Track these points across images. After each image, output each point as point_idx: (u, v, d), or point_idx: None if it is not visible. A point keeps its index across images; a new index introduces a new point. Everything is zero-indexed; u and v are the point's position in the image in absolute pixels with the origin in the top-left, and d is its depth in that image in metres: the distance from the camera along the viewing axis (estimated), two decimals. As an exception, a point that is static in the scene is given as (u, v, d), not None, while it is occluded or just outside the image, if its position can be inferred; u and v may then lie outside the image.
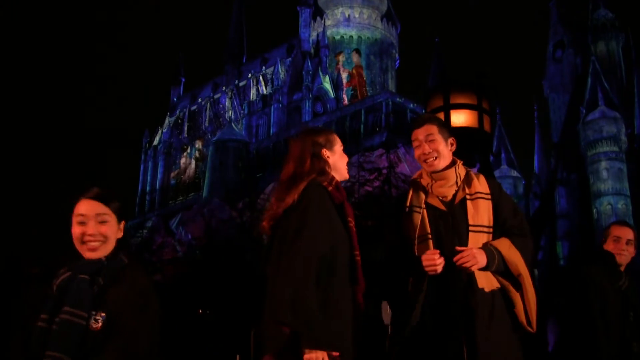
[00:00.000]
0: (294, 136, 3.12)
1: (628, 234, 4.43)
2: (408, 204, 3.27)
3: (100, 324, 2.55)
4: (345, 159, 3.12)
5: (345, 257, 2.88)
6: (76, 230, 2.70)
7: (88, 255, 2.67)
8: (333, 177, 2.99)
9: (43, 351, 2.48)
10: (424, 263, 3.07)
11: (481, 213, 3.19)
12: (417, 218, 3.21)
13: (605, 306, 4.22)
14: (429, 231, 3.18)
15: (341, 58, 64.82)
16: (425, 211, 3.23)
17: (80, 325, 2.53)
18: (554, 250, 51.97)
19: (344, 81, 64.45)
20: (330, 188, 2.92)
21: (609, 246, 4.43)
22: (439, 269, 3.06)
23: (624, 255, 4.38)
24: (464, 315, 3.05)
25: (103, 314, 2.56)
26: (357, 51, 65.30)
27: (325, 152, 3.02)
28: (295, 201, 2.83)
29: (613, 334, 4.17)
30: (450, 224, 3.18)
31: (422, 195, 3.26)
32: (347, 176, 3.11)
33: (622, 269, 4.40)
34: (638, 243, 4.47)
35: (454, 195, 3.24)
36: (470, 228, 3.16)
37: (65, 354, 2.49)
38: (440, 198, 3.24)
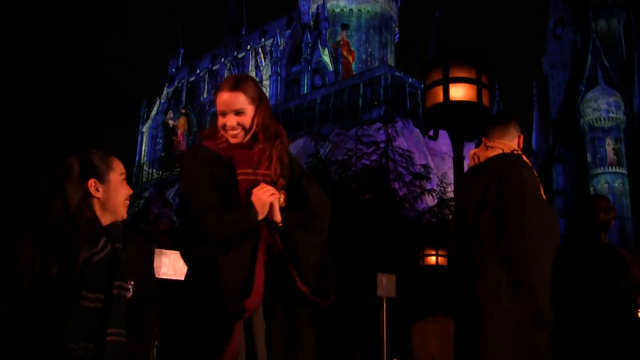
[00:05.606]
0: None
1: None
2: None
3: (131, 293, 2.52)
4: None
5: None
6: (126, 188, 2.68)
7: (111, 219, 2.60)
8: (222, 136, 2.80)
9: (99, 329, 2.40)
10: None
11: None
12: None
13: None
14: None
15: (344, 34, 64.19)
16: None
17: (126, 298, 2.50)
18: (550, 227, 52.07)
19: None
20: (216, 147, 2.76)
21: None
22: None
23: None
24: None
25: (132, 282, 2.54)
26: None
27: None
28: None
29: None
30: None
31: None
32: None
33: None
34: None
35: None
36: None
37: (123, 329, 2.46)
38: None
